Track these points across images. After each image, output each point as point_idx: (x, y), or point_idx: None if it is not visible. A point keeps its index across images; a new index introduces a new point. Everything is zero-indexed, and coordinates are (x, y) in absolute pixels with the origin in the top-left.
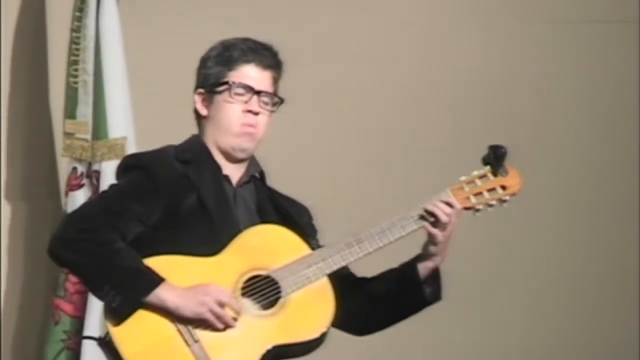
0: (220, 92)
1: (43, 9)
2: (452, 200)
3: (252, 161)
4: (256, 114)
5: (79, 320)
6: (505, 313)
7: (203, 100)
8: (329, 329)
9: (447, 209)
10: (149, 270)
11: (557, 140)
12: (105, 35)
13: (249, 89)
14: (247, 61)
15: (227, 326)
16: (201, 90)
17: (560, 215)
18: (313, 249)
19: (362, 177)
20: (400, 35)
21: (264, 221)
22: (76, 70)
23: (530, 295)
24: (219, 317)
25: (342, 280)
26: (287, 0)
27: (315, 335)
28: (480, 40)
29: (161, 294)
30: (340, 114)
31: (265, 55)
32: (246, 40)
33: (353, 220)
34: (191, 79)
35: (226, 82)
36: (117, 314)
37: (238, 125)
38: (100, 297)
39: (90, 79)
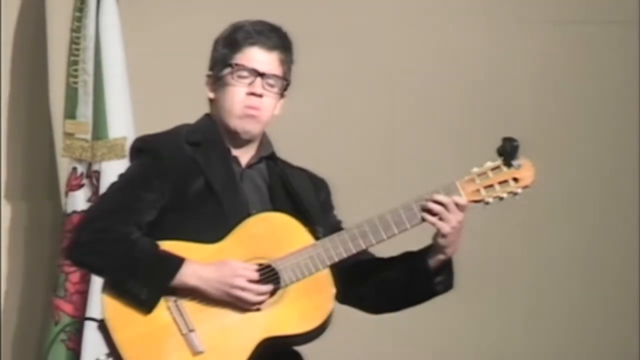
0: (224, 75)
1: (43, 9)
2: (444, 198)
3: (263, 142)
4: (259, 96)
5: (79, 320)
6: (506, 313)
7: (212, 83)
8: (327, 320)
9: (438, 207)
10: (167, 255)
11: (557, 140)
12: (105, 35)
13: (253, 72)
14: (252, 43)
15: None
16: (209, 72)
17: (559, 215)
18: (317, 238)
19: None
20: (401, 35)
21: (270, 209)
22: (76, 70)
23: (531, 295)
24: (247, 302)
25: (359, 263)
26: (289, 0)
27: (306, 329)
28: (481, 40)
29: (185, 279)
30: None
31: (271, 37)
32: (255, 22)
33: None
34: (191, 79)
35: (229, 65)
36: (147, 305)
37: (241, 108)
38: (128, 293)
39: (90, 79)
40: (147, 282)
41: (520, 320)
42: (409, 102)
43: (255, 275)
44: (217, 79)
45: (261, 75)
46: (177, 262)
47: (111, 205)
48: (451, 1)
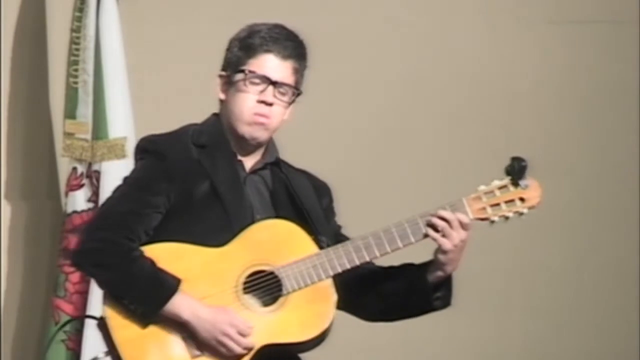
0: (236, 80)
1: (43, 9)
2: (449, 215)
3: (269, 148)
4: (269, 104)
5: (79, 320)
6: (504, 313)
7: (223, 84)
8: (327, 330)
9: (442, 224)
10: (163, 280)
11: (557, 140)
12: (105, 35)
13: (265, 79)
14: (267, 50)
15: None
16: (222, 73)
17: (559, 215)
18: (321, 247)
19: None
20: (401, 34)
21: (275, 216)
22: (76, 70)
23: (531, 297)
24: (231, 351)
25: (360, 271)
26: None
27: (306, 338)
28: (480, 40)
29: (179, 311)
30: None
31: (286, 46)
32: (272, 27)
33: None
34: (191, 79)
35: (242, 71)
36: (143, 320)
37: (250, 115)
38: (125, 307)
39: (90, 79)
40: (141, 303)
41: (520, 326)
42: (407, 103)
43: (248, 331)
44: (229, 81)
45: (273, 83)
46: (170, 289)
47: (119, 213)
48: (451, 2)
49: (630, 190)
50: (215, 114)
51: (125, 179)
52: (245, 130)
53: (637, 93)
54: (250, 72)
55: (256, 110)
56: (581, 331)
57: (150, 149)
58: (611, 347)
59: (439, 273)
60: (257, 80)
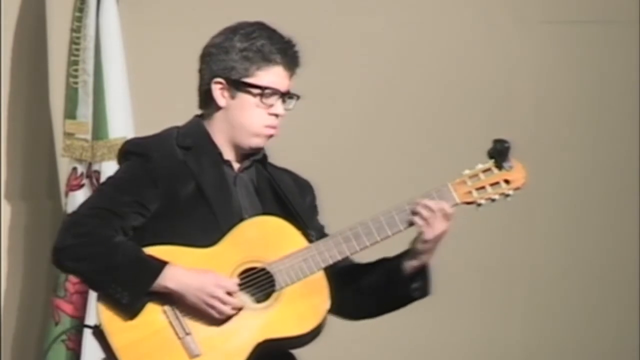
0: (250, 94)
1: (43, 9)
2: (433, 205)
3: None
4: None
5: (79, 320)
6: (504, 311)
7: (222, 90)
8: (323, 323)
9: (426, 213)
10: (149, 259)
11: (557, 140)
12: (105, 35)
13: (277, 92)
14: (277, 63)
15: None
16: (221, 80)
17: (559, 215)
18: (311, 241)
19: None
20: (400, 35)
21: (263, 212)
22: (76, 70)
23: (530, 293)
24: (221, 313)
25: (337, 269)
26: (289, 1)
27: (304, 331)
28: (480, 40)
29: (165, 283)
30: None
31: (293, 57)
32: (271, 35)
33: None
34: (191, 79)
35: (258, 87)
36: (129, 309)
37: (261, 127)
38: (110, 297)
39: (90, 79)
40: (127, 286)
41: (518, 321)
42: (406, 102)
43: (235, 289)
44: (232, 89)
45: (282, 96)
46: (158, 266)
47: (93, 210)
48: (450, 1)
49: (630, 191)
50: (197, 116)
51: (108, 179)
52: (253, 141)
53: (637, 93)
54: (268, 89)
55: (267, 122)
56: (581, 327)
57: (135, 151)
58: (611, 341)
59: (415, 262)
60: (271, 95)
